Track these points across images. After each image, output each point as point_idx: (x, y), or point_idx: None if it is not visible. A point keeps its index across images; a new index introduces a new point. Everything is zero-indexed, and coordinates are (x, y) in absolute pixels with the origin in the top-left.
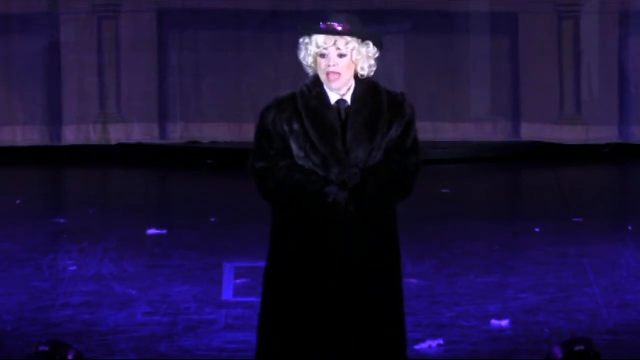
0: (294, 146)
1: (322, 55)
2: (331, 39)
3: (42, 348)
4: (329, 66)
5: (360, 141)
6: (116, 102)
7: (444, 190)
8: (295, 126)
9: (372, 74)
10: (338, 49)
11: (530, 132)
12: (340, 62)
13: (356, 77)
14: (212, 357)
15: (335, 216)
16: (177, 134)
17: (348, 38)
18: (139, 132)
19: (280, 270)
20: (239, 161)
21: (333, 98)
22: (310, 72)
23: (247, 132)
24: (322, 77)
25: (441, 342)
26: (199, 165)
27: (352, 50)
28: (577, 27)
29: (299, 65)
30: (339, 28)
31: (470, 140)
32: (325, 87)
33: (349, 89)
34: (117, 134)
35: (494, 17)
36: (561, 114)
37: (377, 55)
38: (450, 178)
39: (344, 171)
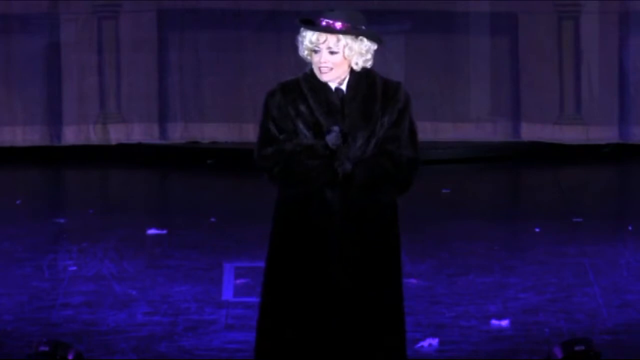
0: (302, 127)
1: (315, 51)
2: (322, 36)
3: (42, 348)
4: (320, 62)
5: (358, 127)
6: (116, 102)
7: (444, 190)
8: (302, 107)
9: (368, 66)
10: (329, 47)
11: (530, 132)
12: (331, 58)
13: (351, 68)
14: (212, 357)
15: (337, 186)
16: (177, 134)
17: (340, 35)
18: (139, 132)
19: (280, 269)
20: (239, 161)
21: (330, 86)
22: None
23: (247, 132)
24: (316, 71)
25: (437, 341)
26: (199, 165)
27: (344, 47)
28: (577, 27)
29: (299, 65)
30: (326, 23)
31: (470, 140)
32: None
33: (344, 79)
34: (117, 134)
35: (494, 17)
36: (561, 114)
37: (373, 49)
38: (450, 178)
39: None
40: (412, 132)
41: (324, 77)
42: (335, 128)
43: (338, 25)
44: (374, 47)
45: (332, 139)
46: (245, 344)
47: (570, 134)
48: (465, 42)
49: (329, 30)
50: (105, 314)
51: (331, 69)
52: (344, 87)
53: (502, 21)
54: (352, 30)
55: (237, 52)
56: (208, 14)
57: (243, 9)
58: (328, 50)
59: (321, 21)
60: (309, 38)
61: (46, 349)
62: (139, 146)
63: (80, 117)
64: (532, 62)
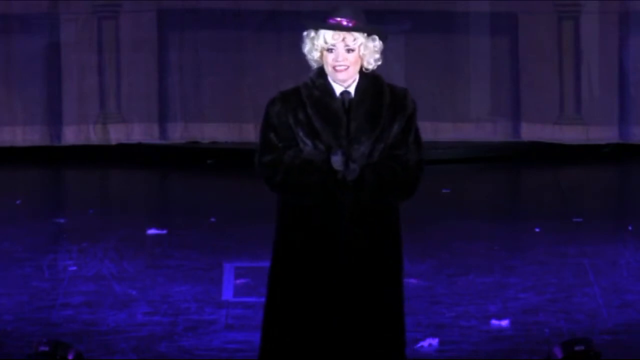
0: (302, 136)
1: (330, 50)
2: (339, 34)
3: (42, 348)
4: (337, 61)
5: (364, 132)
6: (116, 102)
7: (444, 190)
8: (301, 116)
9: (376, 67)
10: (346, 44)
11: (530, 132)
12: (348, 56)
13: (360, 70)
14: (212, 357)
15: (344, 189)
16: (177, 134)
17: (356, 34)
18: (139, 132)
19: (285, 270)
20: (239, 161)
21: (337, 90)
22: (314, 64)
23: (247, 132)
24: (328, 70)
25: (437, 341)
26: (199, 165)
27: (360, 45)
28: (577, 27)
29: (299, 65)
30: (348, 24)
31: (470, 140)
32: (330, 79)
33: (353, 81)
34: (117, 134)
35: (494, 17)
36: (561, 114)
37: (381, 49)
38: (450, 178)
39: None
40: (418, 137)
41: (339, 76)
42: (339, 152)
43: (356, 22)
44: (382, 47)
45: (337, 160)
46: (245, 344)
47: (570, 134)
48: (465, 42)
49: (351, 29)
50: (105, 314)
51: (347, 67)
52: (352, 89)
53: (502, 21)
54: (368, 29)
55: (237, 52)
56: (208, 14)
57: (243, 9)
58: (345, 48)
59: (340, 21)
60: (323, 37)
61: (46, 349)
62: (139, 146)
63: (80, 117)
64: (532, 62)
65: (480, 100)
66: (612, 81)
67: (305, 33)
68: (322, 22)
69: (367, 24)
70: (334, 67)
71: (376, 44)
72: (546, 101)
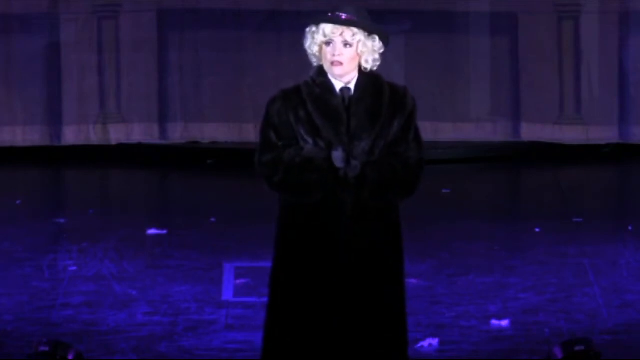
0: (302, 133)
1: (328, 44)
2: (338, 28)
3: (42, 348)
4: (333, 55)
5: (364, 129)
6: (116, 102)
7: (444, 190)
8: (301, 113)
9: (375, 68)
10: (344, 39)
11: (530, 132)
12: (345, 51)
13: (360, 69)
14: (212, 357)
15: (344, 187)
16: (177, 134)
17: (355, 29)
18: (139, 132)
19: (286, 269)
20: (239, 161)
21: (337, 86)
22: (315, 61)
23: (247, 132)
24: (326, 65)
25: (437, 341)
26: (199, 165)
27: (358, 42)
28: (577, 27)
29: (299, 64)
30: (346, 17)
31: (470, 140)
32: (329, 76)
33: (352, 79)
34: (117, 134)
35: (494, 17)
36: (561, 114)
37: (382, 50)
38: (450, 178)
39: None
40: (418, 135)
41: (335, 70)
42: (340, 148)
43: (356, 19)
44: (382, 48)
45: (338, 157)
46: (245, 344)
47: (570, 134)
48: (465, 42)
49: (349, 22)
50: (105, 314)
51: (342, 63)
52: (351, 86)
53: (502, 21)
54: (367, 26)
55: (237, 52)
56: (208, 14)
57: (243, 9)
58: (343, 43)
59: (340, 15)
60: (322, 31)
61: (46, 349)
62: (139, 146)
63: (80, 117)
64: (532, 62)
65: (480, 100)
66: (612, 81)
67: (307, 29)
68: (322, 16)
69: (368, 23)
70: (330, 61)
71: (376, 43)
72: (546, 101)
